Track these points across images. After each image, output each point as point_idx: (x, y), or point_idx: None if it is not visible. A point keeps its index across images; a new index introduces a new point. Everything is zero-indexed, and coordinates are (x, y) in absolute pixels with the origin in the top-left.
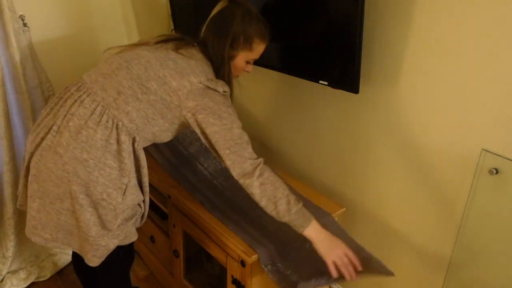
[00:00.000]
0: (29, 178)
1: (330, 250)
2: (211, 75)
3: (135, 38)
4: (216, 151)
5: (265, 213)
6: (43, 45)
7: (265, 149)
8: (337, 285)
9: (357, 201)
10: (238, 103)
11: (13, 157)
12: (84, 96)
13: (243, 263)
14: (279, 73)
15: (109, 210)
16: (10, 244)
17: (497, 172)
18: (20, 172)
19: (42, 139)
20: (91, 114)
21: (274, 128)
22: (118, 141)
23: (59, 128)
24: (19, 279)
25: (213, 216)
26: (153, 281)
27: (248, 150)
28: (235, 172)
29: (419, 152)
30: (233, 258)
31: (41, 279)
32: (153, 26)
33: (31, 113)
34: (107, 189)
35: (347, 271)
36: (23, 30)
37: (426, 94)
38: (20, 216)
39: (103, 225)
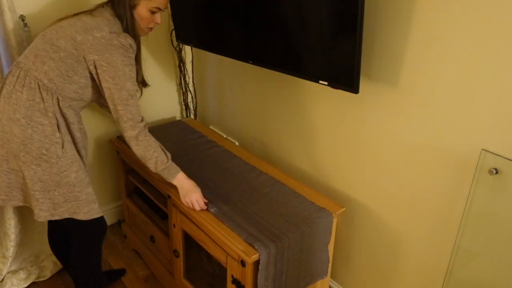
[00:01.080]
0: None
1: (186, 195)
2: (115, 28)
3: None
4: (107, 103)
5: (260, 209)
6: None
7: (265, 149)
8: (336, 283)
9: (357, 201)
10: (238, 103)
11: None
12: (13, 67)
13: (243, 263)
14: (279, 73)
15: (52, 164)
16: (10, 244)
17: (497, 172)
18: None
19: None
20: (17, 79)
21: (274, 128)
22: (43, 100)
23: None
24: (19, 279)
25: (212, 214)
26: (153, 281)
27: (132, 111)
28: (119, 127)
29: (419, 152)
30: (233, 258)
31: (41, 279)
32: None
33: None
34: (44, 144)
35: (197, 207)
36: (23, 30)
37: (426, 94)
38: (20, 216)
39: (49, 179)
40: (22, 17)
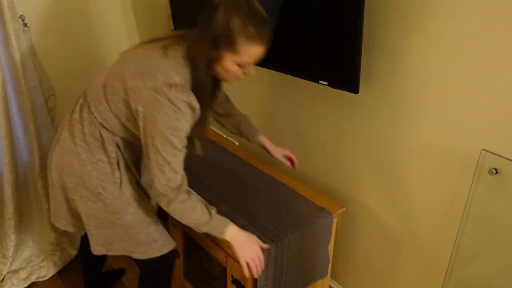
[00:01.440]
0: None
1: (243, 252)
2: (176, 79)
3: (135, 38)
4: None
5: (260, 209)
6: (43, 45)
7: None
8: (336, 283)
9: (357, 201)
10: (237, 103)
11: (13, 157)
12: (81, 95)
13: None
14: (279, 73)
15: (107, 204)
16: (11, 244)
17: (497, 172)
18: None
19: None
20: (80, 110)
21: (274, 128)
22: (102, 137)
23: (67, 122)
24: (19, 279)
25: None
26: None
27: (167, 177)
28: (154, 189)
29: (419, 152)
30: (233, 258)
31: (41, 279)
32: (153, 26)
33: (31, 113)
34: (102, 183)
35: (255, 271)
36: (23, 30)
37: (426, 94)
38: (21, 216)
39: (104, 218)
40: (22, 17)
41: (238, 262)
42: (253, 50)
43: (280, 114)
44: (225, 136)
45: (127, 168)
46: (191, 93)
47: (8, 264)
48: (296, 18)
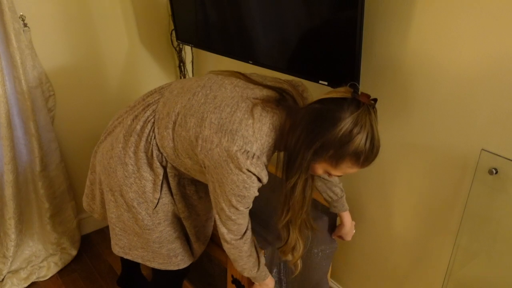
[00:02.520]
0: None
1: None
2: (253, 147)
3: (135, 38)
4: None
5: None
6: (43, 45)
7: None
8: (336, 283)
9: (357, 201)
10: None
11: (14, 157)
12: (153, 103)
13: None
14: (279, 73)
15: (138, 219)
16: (11, 244)
17: (496, 172)
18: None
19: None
20: (144, 123)
21: None
22: (153, 157)
23: (127, 124)
24: (19, 279)
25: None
26: None
27: (229, 228)
28: (219, 234)
29: (418, 152)
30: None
31: (41, 279)
32: (153, 26)
33: (31, 113)
34: (139, 198)
35: None
36: (23, 30)
37: (426, 94)
38: (21, 216)
39: (131, 227)
40: (22, 17)
41: None
42: (349, 170)
43: None
44: None
45: (169, 190)
46: (264, 167)
47: (8, 264)
48: (296, 18)
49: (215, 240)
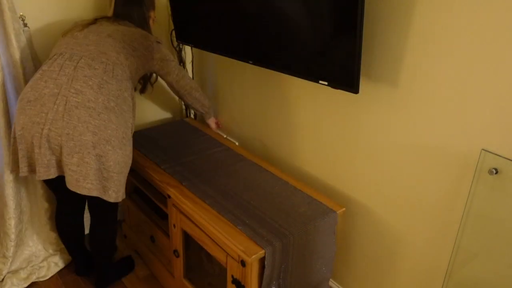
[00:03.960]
0: (62, 138)
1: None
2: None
3: None
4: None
5: (265, 207)
6: (43, 45)
7: (265, 149)
8: (336, 283)
9: (357, 201)
10: (238, 103)
11: None
12: (86, 61)
13: (243, 263)
14: (279, 73)
15: (126, 147)
16: (11, 244)
17: (497, 172)
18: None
19: (59, 105)
20: (104, 72)
21: (274, 128)
22: (126, 89)
23: (77, 90)
24: (19, 279)
25: (223, 216)
26: (153, 281)
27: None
28: (185, 86)
29: (419, 152)
30: (233, 258)
31: (41, 279)
32: (153, 26)
33: None
34: (126, 129)
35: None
36: (23, 30)
37: (426, 94)
38: (21, 215)
39: (123, 161)
40: (22, 17)
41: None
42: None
43: (280, 114)
44: (225, 136)
45: (134, 114)
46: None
47: (8, 264)
48: (296, 18)
49: (215, 240)
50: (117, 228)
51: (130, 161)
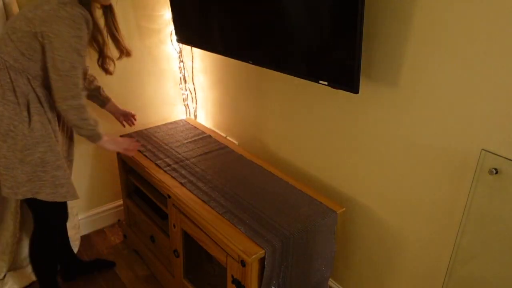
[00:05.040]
0: None
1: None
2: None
3: (135, 38)
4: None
5: (265, 207)
6: None
7: (265, 149)
8: (336, 283)
9: (357, 201)
10: (238, 102)
11: None
12: None
13: (243, 263)
14: (279, 73)
15: (17, 141)
16: (11, 243)
17: (497, 172)
18: None
19: None
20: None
21: (274, 128)
22: (11, 79)
23: None
24: (20, 278)
25: (223, 216)
26: (153, 281)
27: (74, 82)
28: (57, 96)
29: (419, 152)
30: (233, 258)
31: None
32: (153, 26)
33: None
34: (13, 122)
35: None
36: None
37: (426, 94)
38: (21, 215)
39: (13, 156)
40: None
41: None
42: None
43: (280, 114)
44: (225, 136)
45: (42, 108)
46: (81, 7)
47: (9, 263)
48: (296, 18)
49: (215, 240)
50: (38, 231)
51: (33, 158)
